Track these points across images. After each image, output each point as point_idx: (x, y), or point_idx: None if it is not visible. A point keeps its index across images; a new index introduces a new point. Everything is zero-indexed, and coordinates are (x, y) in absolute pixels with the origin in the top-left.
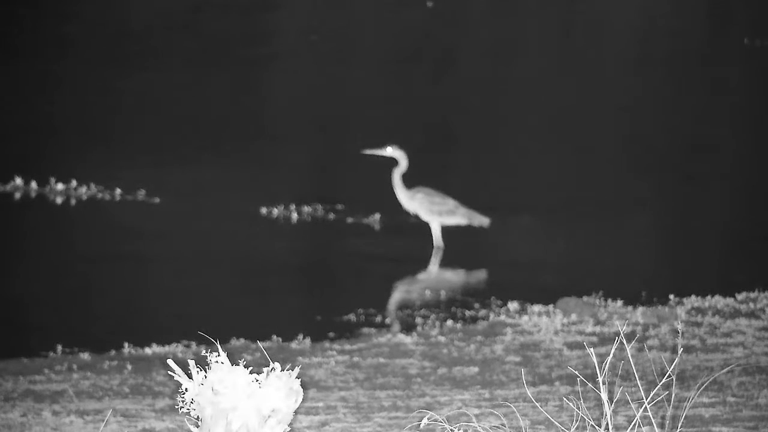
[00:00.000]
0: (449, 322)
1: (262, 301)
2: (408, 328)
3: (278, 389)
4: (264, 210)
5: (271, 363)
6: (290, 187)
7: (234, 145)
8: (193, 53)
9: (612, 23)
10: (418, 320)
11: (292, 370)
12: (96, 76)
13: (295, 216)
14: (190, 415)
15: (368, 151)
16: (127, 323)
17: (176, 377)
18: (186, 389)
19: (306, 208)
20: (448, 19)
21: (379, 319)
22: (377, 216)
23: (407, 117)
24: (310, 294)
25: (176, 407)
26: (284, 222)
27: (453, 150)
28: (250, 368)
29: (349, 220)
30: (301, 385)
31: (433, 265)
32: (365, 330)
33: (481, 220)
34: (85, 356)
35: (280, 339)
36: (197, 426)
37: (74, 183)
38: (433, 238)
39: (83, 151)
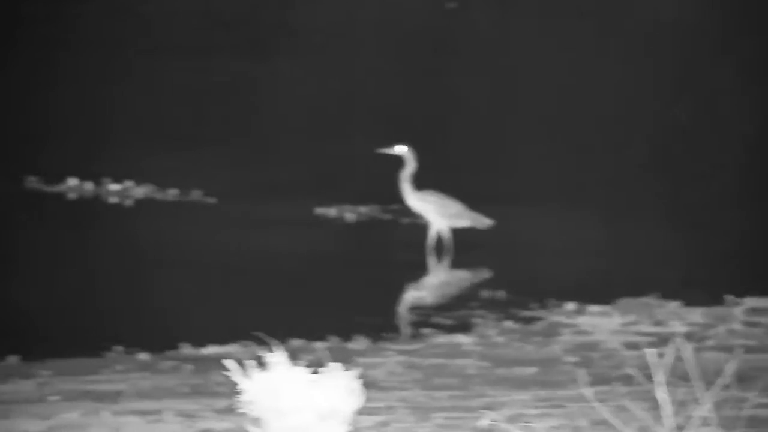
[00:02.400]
0: (507, 323)
1: (321, 301)
2: (466, 328)
3: (337, 389)
4: (319, 210)
5: (330, 363)
6: (345, 187)
7: (289, 145)
8: (242, 50)
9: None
10: (477, 320)
11: (352, 371)
12: (153, 74)
13: (350, 216)
14: (249, 415)
15: (382, 151)
16: (187, 323)
17: (235, 377)
18: (245, 389)
19: (361, 209)
20: (467, 19)
21: (437, 319)
22: None
23: (433, 115)
24: (368, 294)
25: (235, 407)
26: (339, 222)
27: (466, 147)
28: (310, 368)
29: (405, 220)
30: (360, 385)
31: (439, 266)
32: (423, 330)
33: (485, 222)
34: (145, 356)
35: (339, 339)
36: (256, 426)
37: (129, 183)
38: (428, 240)
39: (139, 151)
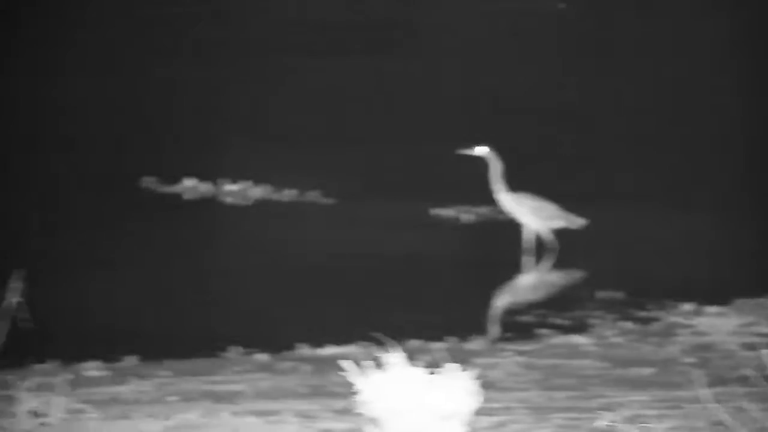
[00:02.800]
0: (624, 323)
1: (438, 302)
2: (583, 329)
3: (455, 389)
4: (434, 211)
5: (448, 364)
6: (459, 188)
7: (403, 145)
8: (358, 50)
9: None
10: (594, 321)
11: (469, 371)
12: (271, 74)
13: (465, 217)
14: (367, 416)
15: (462, 152)
16: (305, 324)
17: (353, 378)
18: (363, 390)
19: (479, 210)
20: (574, 19)
21: (554, 320)
22: None
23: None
24: (485, 295)
25: (353, 408)
26: (456, 223)
27: (569, 145)
28: (427, 369)
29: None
30: (478, 385)
31: (538, 267)
32: (541, 331)
33: (578, 222)
34: (264, 357)
35: (457, 340)
36: (374, 426)
37: (246, 183)
38: (527, 241)
39: (256, 152)
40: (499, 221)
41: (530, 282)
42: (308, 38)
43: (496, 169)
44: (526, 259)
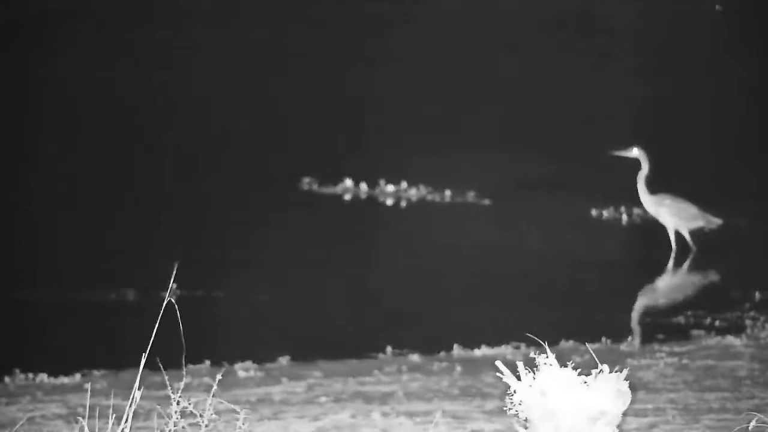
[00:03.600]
0: None
1: (592, 302)
2: (737, 329)
3: (606, 391)
4: (594, 212)
5: (599, 365)
6: (620, 188)
7: (562, 145)
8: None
9: None
10: (748, 322)
11: (621, 372)
12: (421, 74)
13: (625, 218)
14: (518, 417)
15: (616, 153)
16: (458, 324)
17: (505, 379)
18: (515, 391)
19: (636, 210)
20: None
21: (708, 320)
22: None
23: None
24: (639, 295)
25: (505, 409)
26: (614, 223)
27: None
28: (579, 370)
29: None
30: (629, 386)
31: (678, 268)
32: (694, 332)
33: (715, 221)
34: (415, 357)
35: (610, 341)
36: (525, 428)
37: (404, 184)
38: (672, 242)
39: (414, 153)
40: (656, 221)
41: (671, 283)
42: (462, 38)
43: (644, 171)
44: (670, 260)
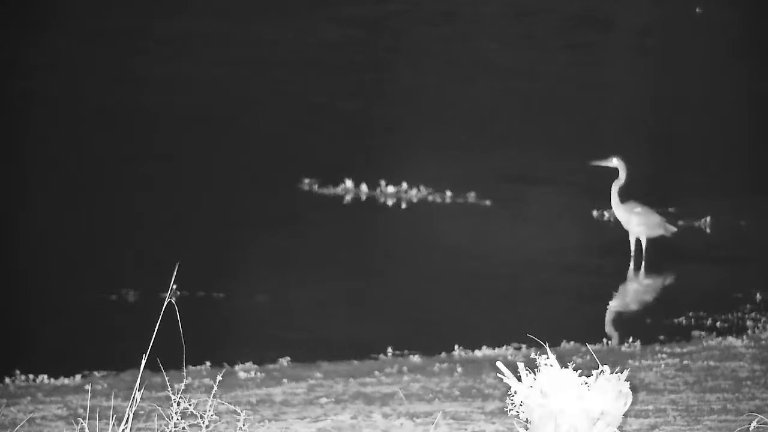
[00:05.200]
0: None
1: (591, 304)
2: (739, 331)
3: (607, 392)
4: (595, 213)
5: (600, 366)
6: (621, 189)
7: (562, 145)
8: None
9: None
10: (749, 323)
11: (622, 373)
12: (422, 74)
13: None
14: (519, 418)
15: (596, 163)
16: (458, 326)
17: (506, 380)
18: (515, 392)
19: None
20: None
21: (709, 321)
22: (708, 219)
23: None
24: (639, 297)
25: (506, 410)
26: (615, 224)
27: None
28: (580, 371)
29: (680, 222)
30: (630, 387)
31: (635, 273)
32: (695, 333)
33: (672, 229)
34: (416, 358)
35: (610, 342)
36: (526, 428)
37: (405, 185)
38: (632, 250)
39: (414, 153)
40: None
41: (635, 288)
42: (462, 39)
43: (620, 181)
44: (632, 266)
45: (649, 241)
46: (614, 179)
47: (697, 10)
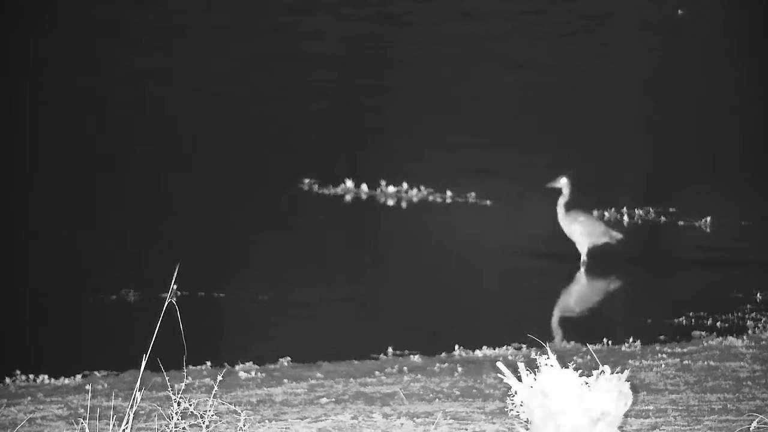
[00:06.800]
0: None
1: (591, 304)
2: (739, 331)
3: (608, 392)
4: (596, 212)
5: (600, 366)
6: (623, 190)
7: (562, 145)
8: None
9: None
10: (749, 323)
11: (622, 373)
12: (422, 74)
13: (626, 219)
14: (519, 418)
15: (549, 185)
16: (459, 325)
17: (506, 380)
18: (516, 392)
19: (638, 211)
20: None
21: (710, 321)
22: (708, 219)
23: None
24: (640, 297)
25: (506, 410)
26: (615, 224)
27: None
28: (580, 371)
29: (680, 223)
30: (631, 388)
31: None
32: (695, 333)
33: (617, 236)
34: (416, 358)
35: (610, 342)
36: (527, 429)
37: (405, 185)
38: (582, 255)
39: (413, 154)
40: (659, 223)
41: (578, 291)
42: (462, 40)
43: (564, 198)
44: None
45: (652, 241)
46: (560, 196)
47: (680, 11)
